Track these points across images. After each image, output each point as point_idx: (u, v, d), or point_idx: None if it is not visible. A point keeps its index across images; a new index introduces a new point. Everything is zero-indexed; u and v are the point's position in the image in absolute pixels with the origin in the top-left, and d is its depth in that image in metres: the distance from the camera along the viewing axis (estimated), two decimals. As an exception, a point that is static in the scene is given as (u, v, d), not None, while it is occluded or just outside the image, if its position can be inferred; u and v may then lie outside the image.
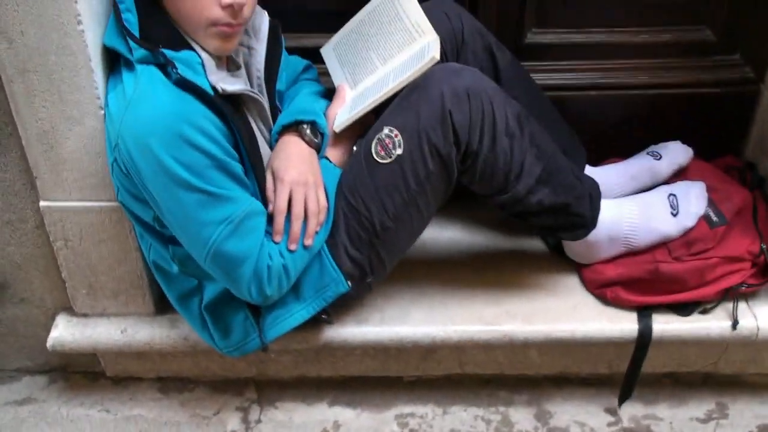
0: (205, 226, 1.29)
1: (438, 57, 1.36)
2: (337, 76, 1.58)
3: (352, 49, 1.56)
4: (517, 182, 1.44)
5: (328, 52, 1.62)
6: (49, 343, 1.69)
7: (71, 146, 1.42)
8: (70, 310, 1.72)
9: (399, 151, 1.38)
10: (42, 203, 1.52)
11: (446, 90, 1.35)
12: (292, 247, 1.38)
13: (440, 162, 1.38)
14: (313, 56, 1.65)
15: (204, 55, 1.31)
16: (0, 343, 1.84)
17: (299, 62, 1.65)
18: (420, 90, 1.38)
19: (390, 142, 1.39)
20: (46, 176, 1.48)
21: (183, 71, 1.25)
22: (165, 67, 1.26)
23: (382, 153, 1.39)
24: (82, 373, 1.89)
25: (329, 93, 1.58)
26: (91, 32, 1.31)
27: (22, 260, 1.67)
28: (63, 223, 1.54)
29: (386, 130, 1.39)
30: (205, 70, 1.29)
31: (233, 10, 1.27)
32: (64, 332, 1.70)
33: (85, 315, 1.72)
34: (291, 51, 1.66)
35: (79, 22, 1.28)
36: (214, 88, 1.28)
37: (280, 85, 1.55)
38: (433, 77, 1.37)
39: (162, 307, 1.67)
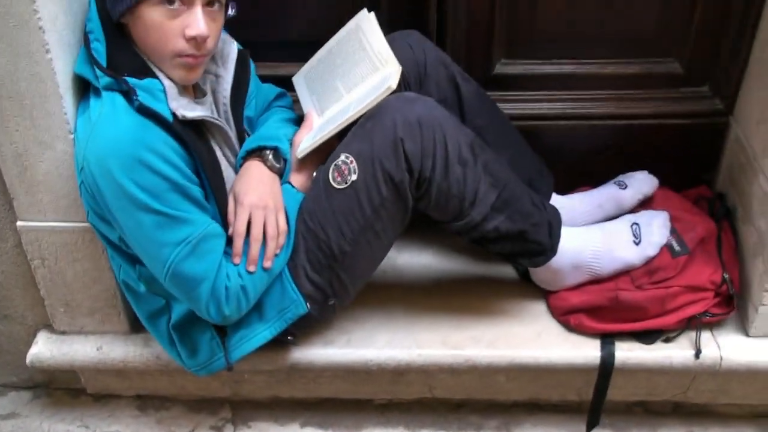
0: (164, 247, 1.34)
1: (394, 86, 1.40)
2: (306, 104, 1.63)
3: (320, 78, 1.62)
4: (471, 209, 1.47)
5: (299, 80, 1.67)
6: (29, 359, 1.75)
7: (44, 169, 1.49)
8: (50, 327, 1.78)
9: (354, 178, 1.42)
10: (19, 223, 1.58)
11: (399, 119, 1.40)
12: (251, 268, 1.42)
13: (394, 188, 1.42)
14: (288, 84, 1.71)
15: (167, 82, 1.36)
16: (-15, 359, 1.91)
17: (272, 90, 1.71)
18: (375, 119, 1.43)
19: (346, 169, 1.43)
20: (22, 197, 1.54)
21: (143, 98, 1.31)
22: (128, 93, 1.32)
23: (339, 179, 1.44)
24: (65, 390, 1.95)
25: (300, 120, 1.63)
26: (60, 61, 1.38)
27: (4, 278, 1.73)
28: (39, 242, 1.60)
29: (342, 157, 1.44)
30: (166, 97, 1.34)
31: (197, 42, 1.33)
32: (43, 348, 1.75)
33: (63, 332, 1.77)
34: (267, 79, 1.72)
35: (48, 51, 1.34)
36: (174, 115, 1.34)
37: (249, 111, 1.61)
38: (388, 107, 1.42)
39: (137, 325, 1.72)
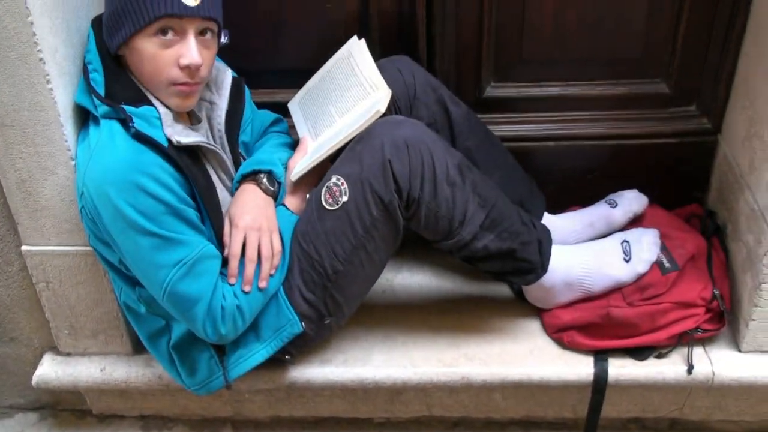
0: (160, 268, 1.38)
1: (383, 110, 1.45)
2: (301, 129, 1.68)
3: (314, 104, 1.67)
4: (461, 228, 1.51)
5: (294, 106, 1.72)
6: (34, 380, 1.79)
7: (47, 194, 1.54)
8: (55, 349, 1.83)
9: (345, 199, 1.46)
10: (24, 247, 1.63)
11: (386, 141, 1.44)
12: (246, 288, 1.46)
13: (383, 209, 1.46)
14: (284, 110, 1.76)
15: (162, 110, 1.41)
16: (-7, 381, 1.95)
17: (268, 116, 1.75)
18: (364, 141, 1.47)
19: (337, 190, 1.47)
20: (26, 222, 1.59)
21: (140, 125, 1.36)
22: (125, 121, 1.37)
23: (330, 200, 1.48)
24: (71, 411, 1.99)
25: (296, 144, 1.67)
26: (61, 90, 1.43)
27: (10, 301, 1.78)
28: (43, 266, 1.65)
29: (334, 179, 1.48)
30: (162, 124, 1.39)
31: (190, 70, 1.38)
32: (49, 370, 1.80)
33: (68, 354, 1.81)
34: (264, 105, 1.77)
35: (48, 81, 1.40)
36: (170, 141, 1.39)
37: (244, 136, 1.66)
38: (376, 129, 1.46)
39: (140, 347, 1.75)
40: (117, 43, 1.37)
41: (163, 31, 1.34)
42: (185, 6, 1.33)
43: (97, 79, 1.40)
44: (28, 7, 1.33)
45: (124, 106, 1.37)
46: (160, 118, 1.40)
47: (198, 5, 1.34)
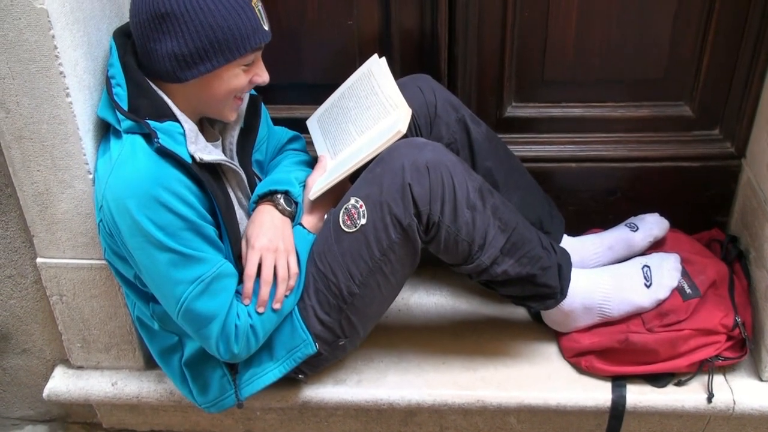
0: (177, 285, 1.37)
1: (404, 130, 1.44)
2: (320, 147, 1.66)
3: (333, 122, 1.65)
4: (480, 253, 1.49)
5: (312, 124, 1.71)
6: (45, 393, 1.78)
7: (64, 207, 1.53)
8: (67, 362, 1.82)
9: (363, 221, 1.45)
10: (39, 260, 1.63)
11: (407, 164, 1.43)
12: (260, 310, 1.45)
13: (402, 232, 1.44)
14: (302, 126, 1.75)
15: (188, 125, 1.41)
16: (4, 392, 1.94)
17: (285, 133, 1.74)
18: (384, 163, 1.46)
19: (355, 212, 1.46)
20: (42, 235, 1.58)
21: (164, 140, 1.35)
22: (149, 136, 1.36)
23: (348, 222, 1.46)
24: (81, 424, 1.97)
25: (314, 162, 1.66)
26: (80, 104, 1.43)
27: (23, 313, 1.77)
28: (58, 279, 1.64)
29: (352, 201, 1.47)
30: (185, 140, 1.39)
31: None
32: (60, 383, 1.78)
33: (80, 367, 1.80)
34: (282, 121, 1.77)
35: (68, 95, 1.39)
36: (192, 157, 1.38)
37: (258, 155, 1.65)
38: (397, 151, 1.45)
39: (152, 362, 1.74)
40: (196, 75, 1.37)
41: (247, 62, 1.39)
42: (267, 33, 1.40)
43: (121, 93, 1.39)
44: (51, 20, 1.33)
45: (149, 121, 1.36)
46: (184, 134, 1.39)
47: (269, 28, 1.41)
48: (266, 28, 1.39)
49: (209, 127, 1.55)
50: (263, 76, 1.44)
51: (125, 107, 1.38)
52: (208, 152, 1.42)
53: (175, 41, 1.33)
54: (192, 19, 1.31)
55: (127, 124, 1.37)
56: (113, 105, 1.39)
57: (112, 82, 1.40)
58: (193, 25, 1.31)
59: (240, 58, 1.37)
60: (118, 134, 1.40)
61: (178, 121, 1.40)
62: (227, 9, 1.32)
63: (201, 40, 1.33)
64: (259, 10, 1.37)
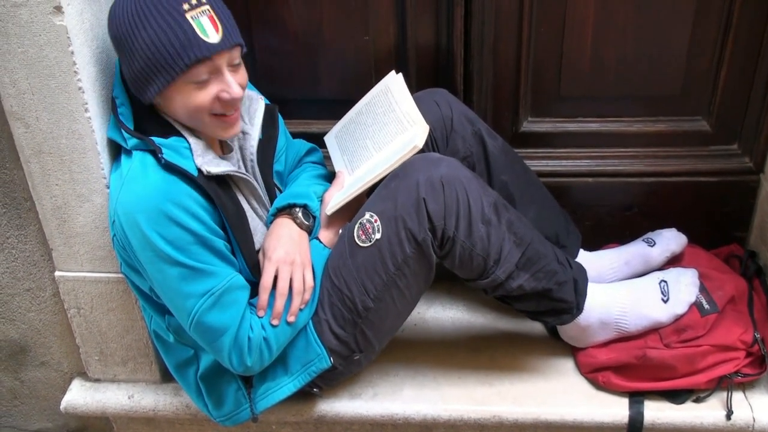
0: (188, 298, 1.38)
1: (420, 146, 1.44)
2: (338, 163, 1.67)
3: (351, 138, 1.66)
4: (496, 267, 1.49)
5: (330, 140, 1.72)
6: (63, 405, 1.79)
7: (82, 221, 1.55)
8: (84, 375, 1.83)
9: (378, 236, 1.45)
10: (57, 273, 1.64)
11: (422, 179, 1.43)
12: (275, 322, 1.45)
13: (417, 247, 1.44)
14: (320, 141, 1.76)
15: (192, 140, 1.41)
16: (22, 404, 1.95)
17: (303, 145, 1.75)
18: (399, 179, 1.46)
19: (370, 227, 1.46)
20: (61, 248, 1.60)
21: (168, 156, 1.36)
22: (155, 152, 1.37)
23: (363, 237, 1.47)
24: (98, 437, 1.99)
25: (331, 176, 1.67)
26: (99, 118, 1.45)
27: (42, 326, 1.79)
28: (76, 292, 1.65)
29: (367, 216, 1.47)
30: (192, 154, 1.39)
31: (232, 102, 1.38)
32: (77, 396, 1.80)
33: (97, 380, 1.82)
34: (299, 136, 1.78)
35: (86, 110, 1.42)
36: (200, 170, 1.39)
37: (278, 165, 1.65)
38: (412, 167, 1.45)
39: (168, 375, 1.74)
40: (149, 97, 1.36)
41: (198, 80, 1.34)
42: (211, 45, 1.31)
43: (125, 113, 1.41)
44: (70, 37, 1.35)
45: (153, 138, 1.37)
46: (190, 148, 1.40)
47: (222, 38, 1.32)
48: (211, 39, 1.31)
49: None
50: (230, 92, 1.36)
51: (131, 126, 1.40)
52: (216, 165, 1.42)
53: (127, 64, 1.35)
54: (132, 41, 1.31)
55: (132, 142, 1.39)
56: (119, 124, 1.41)
57: (117, 102, 1.42)
58: (133, 47, 1.31)
59: (183, 75, 1.32)
60: (128, 152, 1.41)
61: (183, 136, 1.41)
62: (157, 28, 1.29)
63: (143, 61, 1.31)
64: (198, 22, 1.30)
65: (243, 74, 1.41)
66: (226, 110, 1.39)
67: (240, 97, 1.38)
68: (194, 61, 1.30)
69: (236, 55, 1.38)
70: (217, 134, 1.43)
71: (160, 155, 1.35)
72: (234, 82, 1.36)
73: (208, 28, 1.31)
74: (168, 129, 1.40)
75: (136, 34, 1.30)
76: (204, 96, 1.35)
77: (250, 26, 1.74)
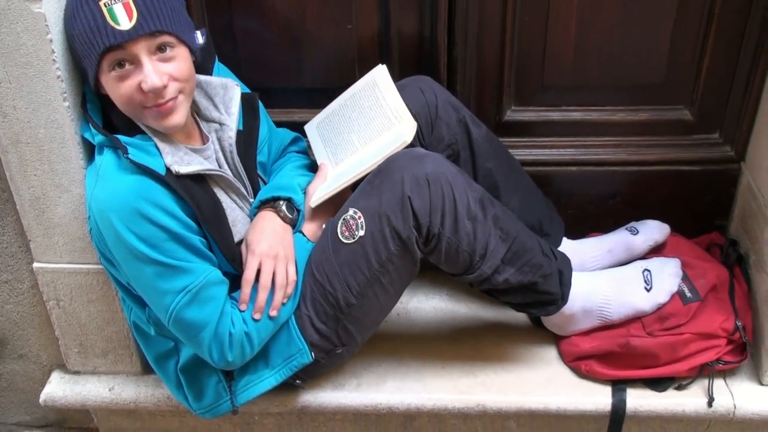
0: (165, 295, 1.36)
1: (409, 141, 1.44)
2: (320, 154, 1.65)
3: (334, 130, 1.64)
4: (482, 263, 1.48)
5: (311, 129, 1.70)
6: (42, 398, 1.77)
7: (61, 212, 1.52)
8: (64, 367, 1.80)
9: (361, 233, 1.44)
10: (35, 264, 1.62)
11: (407, 176, 1.41)
12: (257, 316, 1.44)
13: (401, 244, 1.43)
14: (302, 130, 1.73)
15: (156, 138, 1.38)
16: (0, 398, 1.92)
17: (287, 134, 1.73)
18: (383, 175, 1.45)
19: (353, 224, 1.45)
20: (39, 239, 1.57)
21: (134, 154, 1.33)
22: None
23: (347, 233, 1.45)
24: (78, 429, 1.97)
25: (315, 167, 1.65)
26: (78, 108, 1.42)
27: (19, 318, 1.76)
28: (55, 283, 1.63)
29: (351, 212, 1.46)
30: (160, 151, 1.37)
31: (156, 93, 1.32)
32: (56, 388, 1.77)
33: (77, 372, 1.79)
34: (281, 124, 1.75)
35: (65, 99, 1.39)
36: (169, 169, 1.36)
37: (261, 156, 1.63)
38: (397, 163, 1.44)
39: (149, 367, 1.71)
40: (94, 89, 1.35)
41: (119, 64, 1.30)
42: (120, 32, 1.26)
43: (93, 108, 1.40)
44: (48, 24, 1.32)
45: (119, 136, 1.35)
46: (157, 146, 1.37)
47: (134, 25, 1.27)
48: (122, 27, 1.26)
49: (196, 130, 1.52)
50: (148, 83, 1.29)
51: (100, 122, 1.38)
52: (186, 163, 1.38)
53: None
54: (68, 31, 1.34)
55: (99, 138, 1.37)
56: (88, 120, 1.39)
57: (87, 97, 1.40)
58: (70, 37, 1.33)
59: (101, 63, 1.29)
60: (101, 148, 1.39)
61: (147, 133, 1.38)
62: (79, 17, 1.27)
63: (74, 50, 1.34)
64: (110, 9, 1.26)
65: (177, 64, 1.34)
66: (152, 100, 1.32)
67: (161, 87, 1.31)
68: (104, 49, 1.27)
69: (163, 42, 1.31)
70: (159, 125, 1.37)
71: (124, 155, 1.32)
72: (152, 71, 1.29)
73: (120, 15, 1.26)
74: (133, 126, 1.38)
75: (70, 24, 1.32)
76: (126, 87, 1.31)
77: (231, 14, 1.72)
